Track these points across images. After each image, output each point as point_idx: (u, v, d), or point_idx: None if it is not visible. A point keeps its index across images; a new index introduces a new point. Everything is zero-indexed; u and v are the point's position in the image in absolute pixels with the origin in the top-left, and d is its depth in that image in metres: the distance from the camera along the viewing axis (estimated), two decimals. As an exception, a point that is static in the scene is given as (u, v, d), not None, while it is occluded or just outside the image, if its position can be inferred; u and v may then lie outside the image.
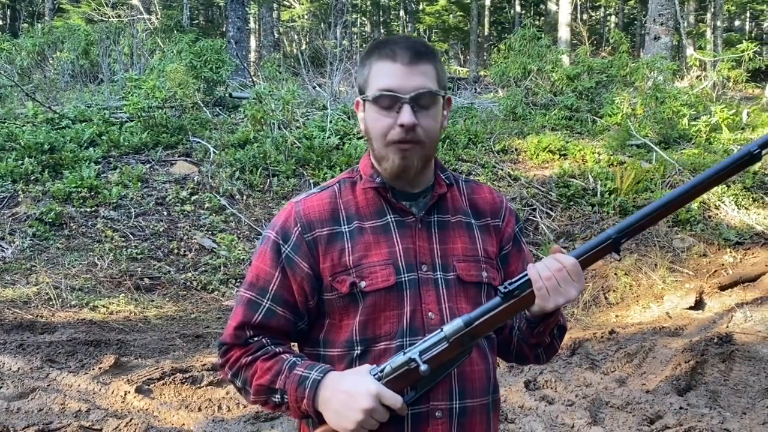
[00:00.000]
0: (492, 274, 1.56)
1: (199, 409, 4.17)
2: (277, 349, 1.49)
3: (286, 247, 1.50)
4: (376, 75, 1.47)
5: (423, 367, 1.36)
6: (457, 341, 1.40)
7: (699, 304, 6.57)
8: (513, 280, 1.45)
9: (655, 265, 7.16)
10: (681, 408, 4.14)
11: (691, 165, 9.07)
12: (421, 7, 28.91)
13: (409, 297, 1.47)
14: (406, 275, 1.48)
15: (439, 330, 1.41)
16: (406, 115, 1.44)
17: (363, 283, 1.46)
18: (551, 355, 1.62)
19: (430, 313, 1.48)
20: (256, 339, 1.49)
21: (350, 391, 1.37)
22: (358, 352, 1.47)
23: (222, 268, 6.98)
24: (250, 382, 1.47)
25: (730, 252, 7.47)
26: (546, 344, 1.57)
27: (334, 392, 1.38)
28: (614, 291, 6.89)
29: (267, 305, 1.50)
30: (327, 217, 1.52)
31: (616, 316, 6.54)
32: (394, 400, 1.37)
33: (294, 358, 1.47)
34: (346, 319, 1.49)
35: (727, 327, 5.89)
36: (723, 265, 7.25)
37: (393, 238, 1.50)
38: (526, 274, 1.43)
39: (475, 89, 15.80)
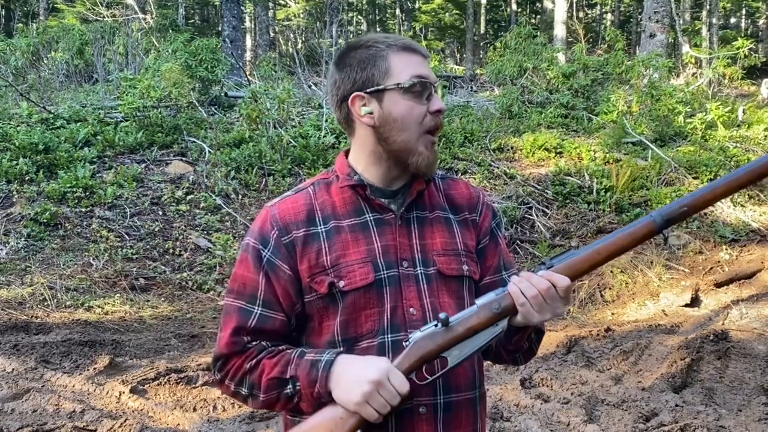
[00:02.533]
0: (472, 268, 1.55)
1: (194, 410, 4.16)
2: (279, 347, 1.47)
3: (266, 251, 1.49)
4: (403, 64, 1.46)
5: (442, 315, 1.37)
6: (486, 307, 1.41)
7: (695, 302, 6.58)
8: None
9: (651, 262, 7.16)
10: (677, 405, 4.13)
11: (686, 162, 9.07)
12: (417, 5, 28.89)
13: (389, 294, 1.46)
14: (385, 272, 1.47)
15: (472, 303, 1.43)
16: (439, 101, 1.47)
17: (341, 283, 1.45)
18: (529, 357, 1.61)
19: (411, 309, 1.47)
20: (254, 343, 1.47)
21: (361, 365, 1.37)
22: (342, 351, 1.46)
23: (217, 267, 6.96)
24: (259, 382, 1.44)
25: (726, 249, 7.47)
26: (524, 349, 1.57)
27: (345, 369, 1.38)
28: (610, 288, 6.89)
29: (259, 312, 1.48)
30: (302, 218, 1.50)
31: (612, 313, 6.54)
32: (401, 382, 1.35)
33: (300, 349, 1.46)
34: (326, 321, 1.48)
35: (723, 324, 5.89)
36: (719, 262, 7.25)
37: (372, 236, 1.49)
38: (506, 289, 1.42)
39: (471, 87, 15.79)
